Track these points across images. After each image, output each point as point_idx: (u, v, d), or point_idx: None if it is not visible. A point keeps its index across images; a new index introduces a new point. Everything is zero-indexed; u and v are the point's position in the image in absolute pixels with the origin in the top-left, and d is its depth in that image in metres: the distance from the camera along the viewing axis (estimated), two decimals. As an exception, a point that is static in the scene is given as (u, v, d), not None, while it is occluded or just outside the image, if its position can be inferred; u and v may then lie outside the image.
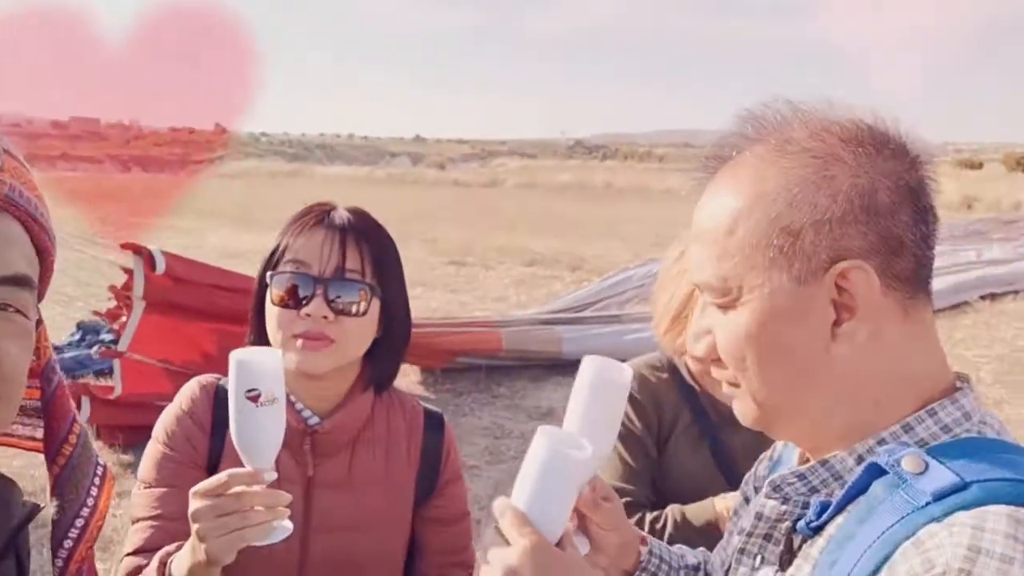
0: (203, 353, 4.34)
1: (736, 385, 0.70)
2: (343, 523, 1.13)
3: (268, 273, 1.11)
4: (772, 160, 0.66)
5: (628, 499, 1.45)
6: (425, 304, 8.51)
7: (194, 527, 0.91)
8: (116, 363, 4.15)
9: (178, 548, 0.98)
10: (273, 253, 1.12)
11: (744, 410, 0.72)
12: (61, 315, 6.99)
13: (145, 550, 1.05)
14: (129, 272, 4.21)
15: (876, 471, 0.62)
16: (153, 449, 1.13)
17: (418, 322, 5.79)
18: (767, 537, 0.73)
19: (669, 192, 26.87)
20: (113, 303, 4.66)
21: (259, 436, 0.92)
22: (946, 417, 0.65)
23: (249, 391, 0.90)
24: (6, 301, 0.61)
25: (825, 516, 0.65)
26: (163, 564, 0.99)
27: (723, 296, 0.68)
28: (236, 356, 0.92)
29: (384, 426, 1.19)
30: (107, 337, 5.41)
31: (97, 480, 0.77)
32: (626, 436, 1.48)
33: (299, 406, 1.14)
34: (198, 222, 14.59)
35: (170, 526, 1.06)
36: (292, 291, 1.08)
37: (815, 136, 0.65)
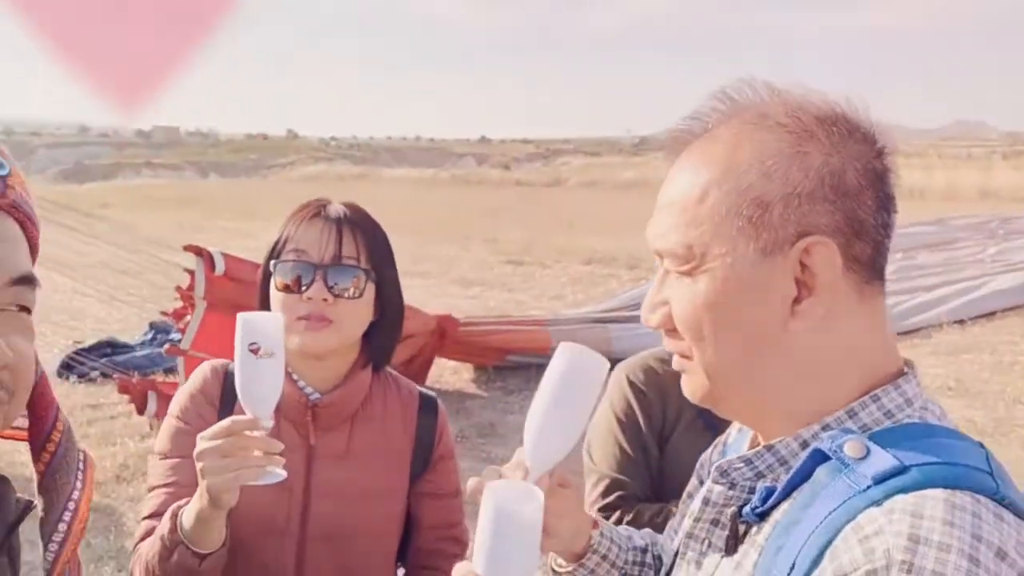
0: None
1: (688, 358, 0.70)
2: (341, 492, 1.21)
3: (272, 262, 1.20)
4: (747, 133, 0.66)
5: (622, 492, 1.47)
6: (482, 303, 8.61)
7: (199, 466, 1.01)
8: (180, 360, 4.35)
9: (187, 503, 1.08)
10: (276, 244, 1.22)
11: (694, 385, 0.71)
12: (135, 315, 7.37)
13: (159, 514, 1.14)
14: (192, 273, 4.42)
15: (820, 456, 0.63)
16: (168, 424, 1.24)
17: (470, 320, 5.94)
18: (714, 522, 0.72)
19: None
20: (179, 303, 4.90)
21: (258, 385, 1.02)
22: (889, 403, 0.65)
23: (251, 344, 1.01)
24: (19, 301, 0.64)
25: (770, 502, 0.65)
26: (174, 515, 1.09)
27: (685, 263, 0.67)
28: (242, 316, 1.04)
29: (381, 404, 1.28)
30: (175, 336, 5.69)
31: (81, 473, 0.77)
32: (627, 426, 1.49)
33: (301, 383, 1.22)
34: (265, 223, 15.06)
35: (183, 492, 1.15)
36: (294, 277, 1.17)
37: (791, 113, 0.66)
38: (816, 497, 0.61)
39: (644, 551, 0.96)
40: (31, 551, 0.77)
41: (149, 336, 6.37)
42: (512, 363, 6.00)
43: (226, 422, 1.02)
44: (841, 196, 0.63)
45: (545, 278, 10.14)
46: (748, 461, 0.69)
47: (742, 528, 0.69)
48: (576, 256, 11.66)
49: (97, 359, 5.77)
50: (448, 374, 5.98)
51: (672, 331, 0.70)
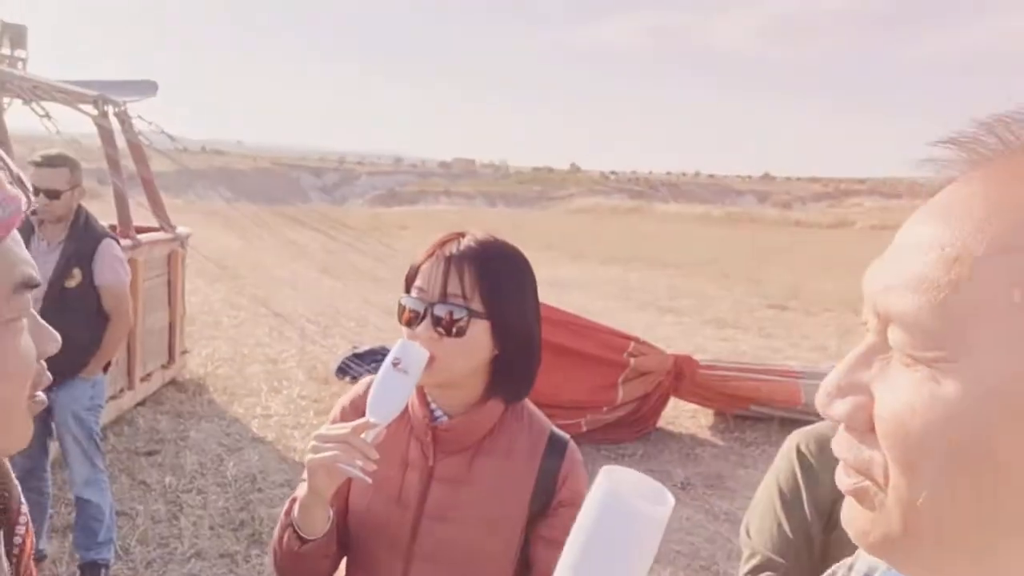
0: None
1: (874, 481, 0.45)
2: (453, 517, 1.23)
3: (400, 298, 1.26)
4: None
5: (772, 573, 1.32)
6: (734, 347, 8.23)
7: (307, 458, 1.13)
8: None
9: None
10: (408, 278, 1.27)
11: (871, 525, 0.46)
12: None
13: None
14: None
15: None
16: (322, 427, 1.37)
17: (711, 364, 5.70)
18: None
19: (1064, 241, 22.31)
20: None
21: (385, 392, 1.13)
22: None
23: (395, 359, 1.14)
24: (24, 307, 0.65)
25: None
26: (292, 501, 1.22)
27: (926, 347, 0.42)
28: (401, 340, 1.17)
29: (508, 438, 1.27)
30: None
31: (23, 509, 0.77)
32: (789, 502, 1.35)
33: (433, 406, 1.28)
34: (536, 253, 15.79)
35: None
36: (411, 314, 1.22)
37: None
38: None
39: None
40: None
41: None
42: (755, 413, 5.66)
43: (343, 425, 1.13)
44: None
45: (808, 326, 9.42)
46: None
47: None
48: (848, 305, 10.67)
49: (368, 364, 6.49)
50: (685, 417, 5.80)
51: (861, 432, 0.46)
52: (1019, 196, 0.42)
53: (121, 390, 5.03)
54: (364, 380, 1.38)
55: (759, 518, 1.40)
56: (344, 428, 1.12)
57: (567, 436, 1.32)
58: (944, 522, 0.42)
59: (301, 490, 1.18)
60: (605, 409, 5.22)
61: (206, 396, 5.72)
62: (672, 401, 6.11)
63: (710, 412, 5.85)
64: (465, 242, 1.24)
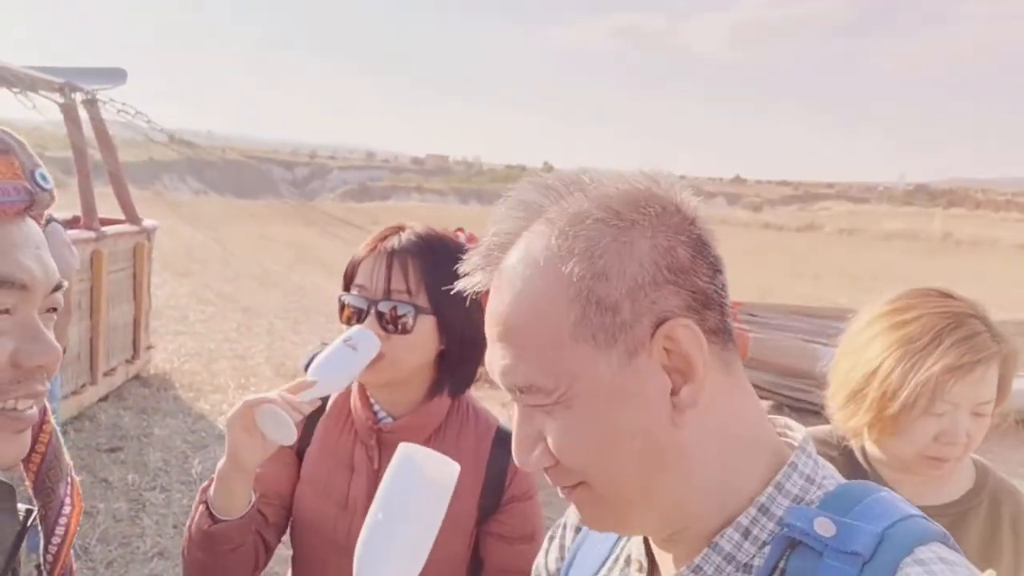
0: None
1: (579, 489, 0.64)
2: None
3: (340, 296, 1.23)
4: (565, 238, 0.61)
5: None
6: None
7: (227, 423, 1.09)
8: None
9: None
10: (346, 275, 1.24)
11: (599, 516, 0.65)
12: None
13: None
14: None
15: (784, 543, 0.59)
16: None
17: None
18: None
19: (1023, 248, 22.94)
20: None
21: (329, 360, 1.12)
22: (793, 488, 0.62)
23: (348, 338, 1.14)
24: (53, 305, 0.66)
25: None
26: (203, 491, 1.14)
27: (549, 396, 0.61)
28: (358, 326, 1.17)
29: (455, 435, 1.24)
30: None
31: (69, 478, 0.77)
32: None
33: (376, 407, 1.24)
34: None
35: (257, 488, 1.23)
36: (353, 313, 1.19)
37: (602, 205, 0.61)
38: None
39: None
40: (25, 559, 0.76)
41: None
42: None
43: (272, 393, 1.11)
44: (679, 274, 0.60)
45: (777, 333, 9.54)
46: (697, 569, 0.63)
47: None
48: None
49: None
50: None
51: (555, 467, 0.64)
52: (555, 261, 0.61)
53: (83, 385, 4.93)
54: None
55: None
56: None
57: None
58: (625, 486, 0.62)
59: (220, 464, 1.11)
60: None
61: (171, 392, 5.63)
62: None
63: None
64: (406, 236, 1.20)
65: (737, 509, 0.62)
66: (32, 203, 0.63)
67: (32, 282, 0.62)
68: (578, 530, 0.82)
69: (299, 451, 1.28)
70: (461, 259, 1.20)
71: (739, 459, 0.63)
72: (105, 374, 5.21)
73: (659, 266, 0.60)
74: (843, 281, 13.80)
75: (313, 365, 1.12)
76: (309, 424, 1.27)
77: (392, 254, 1.18)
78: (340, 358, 1.12)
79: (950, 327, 1.16)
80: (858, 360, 1.22)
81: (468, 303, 1.21)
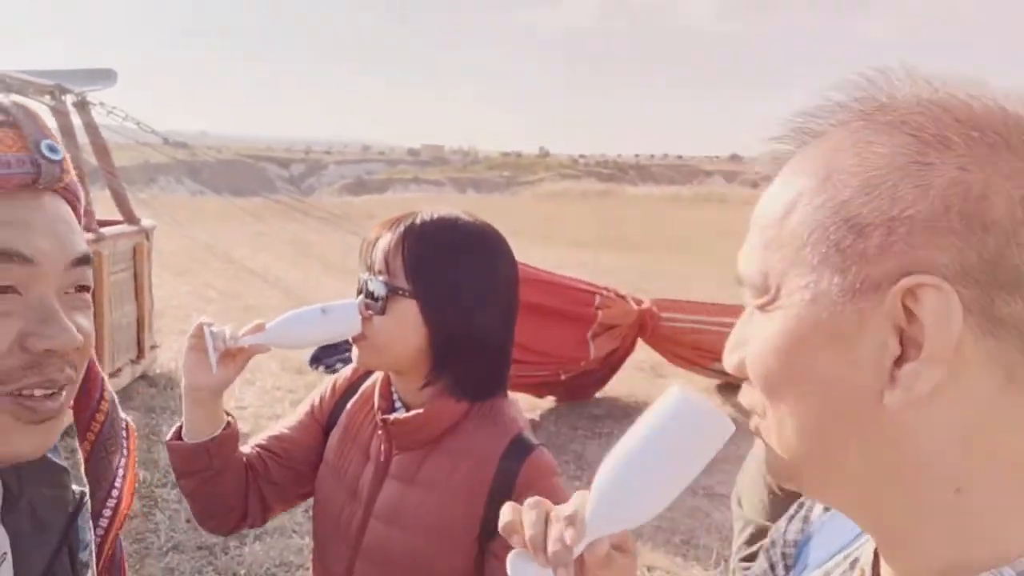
0: None
1: (762, 417, 0.54)
2: (398, 518, 1.15)
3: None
4: (856, 132, 0.50)
5: (766, 540, 1.32)
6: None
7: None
8: None
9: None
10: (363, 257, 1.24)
11: (769, 455, 0.55)
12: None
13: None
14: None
15: None
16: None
17: (673, 318, 5.71)
18: None
19: None
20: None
21: (293, 316, 1.15)
22: None
23: (326, 306, 1.15)
24: (79, 282, 0.63)
25: None
26: (179, 428, 1.21)
27: (760, 295, 0.52)
28: (346, 300, 1.18)
29: (467, 438, 1.16)
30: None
31: (124, 442, 0.75)
32: None
33: (396, 396, 1.22)
34: (507, 236, 15.81)
35: (271, 441, 1.30)
36: (357, 287, 1.18)
37: (922, 109, 0.49)
38: None
39: None
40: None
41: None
42: (724, 380, 5.75)
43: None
44: (977, 228, 0.45)
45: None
46: None
47: None
48: (819, 281, 10.84)
49: (342, 352, 6.44)
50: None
51: (746, 383, 0.55)
52: (831, 154, 0.51)
53: (90, 387, 4.94)
54: (339, 373, 1.35)
55: (749, 489, 1.40)
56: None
57: (536, 442, 1.17)
58: (797, 436, 0.51)
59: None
60: (582, 364, 5.29)
61: (177, 391, 5.57)
62: (649, 381, 6.17)
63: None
64: (411, 219, 1.17)
65: (981, 558, 0.48)
66: (39, 175, 0.59)
67: (38, 257, 0.58)
68: (826, 508, 0.72)
69: (326, 428, 1.28)
70: (466, 244, 1.15)
71: (987, 495, 0.48)
72: (111, 375, 5.22)
73: (950, 206, 0.46)
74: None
75: (280, 317, 1.13)
76: (340, 405, 1.28)
77: (392, 234, 1.16)
78: (305, 319, 1.13)
79: None
80: None
81: (463, 295, 1.13)
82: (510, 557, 0.66)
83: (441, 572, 1.13)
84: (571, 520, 0.63)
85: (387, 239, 1.16)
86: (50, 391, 0.59)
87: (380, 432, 1.20)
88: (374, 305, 1.14)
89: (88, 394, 0.73)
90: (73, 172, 0.64)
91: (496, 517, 1.11)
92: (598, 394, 5.74)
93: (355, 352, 1.17)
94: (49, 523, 0.67)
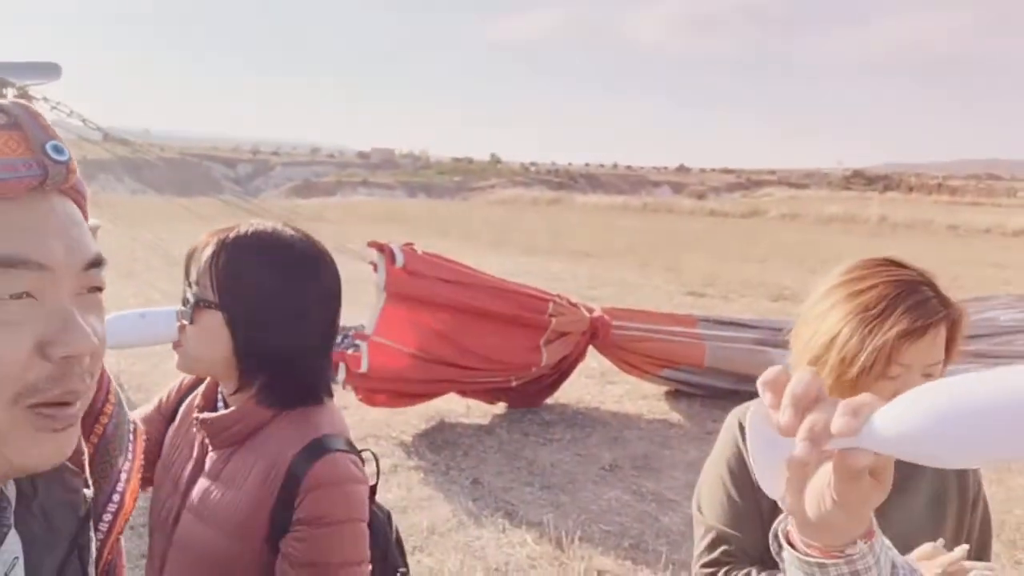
0: (435, 337, 4.87)
1: None
2: (203, 514, 1.17)
3: None
4: None
5: (729, 547, 1.35)
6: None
7: None
8: (364, 344, 4.70)
9: None
10: None
11: None
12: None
13: None
14: (375, 266, 4.78)
15: None
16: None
17: (622, 326, 5.80)
18: None
19: (954, 229, 23.86)
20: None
21: (115, 320, 1.18)
22: None
23: (144, 312, 1.21)
24: (93, 284, 0.62)
25: None
26: None
27: None
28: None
29: (268, 441, 1.17)
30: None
31: (131, 444, 0.74)
32: (738, 475, 1.37)
33: (220, 397, 1.25)
34: (458, 242, 15.87)
35: None
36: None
37: None
38: None
39: None
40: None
41: (339, 339, 6.88)
42: (670, 384, 5.86)
43: None
44: None
45: (725, 311, 9.74)
46: None
47: None
48: (763, 291, 11.11)
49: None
50: (611, 402, 5.93)
51: None
52: None
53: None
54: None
55: (709, 494, 1.41)
56: None
57: (335, 447, 1.16)
58: None
59: None
60: (534, 370, 5.33)
61: (123, 394, 5.48)
62: (599, 387, 6.24)
63: (636, 397, 6.00)
64: (231, 231, 1.19)
65: None
66: (46, 177, 0.58)
67: (52, 262, 0.57)
68: None
69: (169, 422, 1.33)
70: (277, 258, 1.15)
71: None
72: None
73: None
74: (788, 264, 14.16)
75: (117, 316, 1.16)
76: (182, 401, 1.33)
77: (212, 245, 1.18)
78: (126, 322, 1.18)
79: (902, 295, 1.22)
80: (818, 328, 1.28)
81: (269, 310, 1.13)
82: (753, 408, 0.63)
83: (236, 568, 1.15)
84: (856, 411, 0.56)
85: (207, 251, 1.18)
86: (69, 401, 0.58)
87: (195, 428, 1.24)
88: (186, 314, 1.17)
89: (93, 394, 0.72)
90: (76, 171, 0.63)
91: (280, 513, 1.12)
92: (549, 400, 5.79)
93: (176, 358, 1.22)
94: (60, 528, 0.66)
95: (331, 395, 1.26)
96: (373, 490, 1.24)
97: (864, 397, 0.57)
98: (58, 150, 0.59)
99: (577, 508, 4.06)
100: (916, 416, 0.54)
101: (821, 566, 0.67)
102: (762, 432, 0.62)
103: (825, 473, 0.61)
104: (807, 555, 0.68)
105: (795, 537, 0.70)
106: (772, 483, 0.64)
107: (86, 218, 0.65)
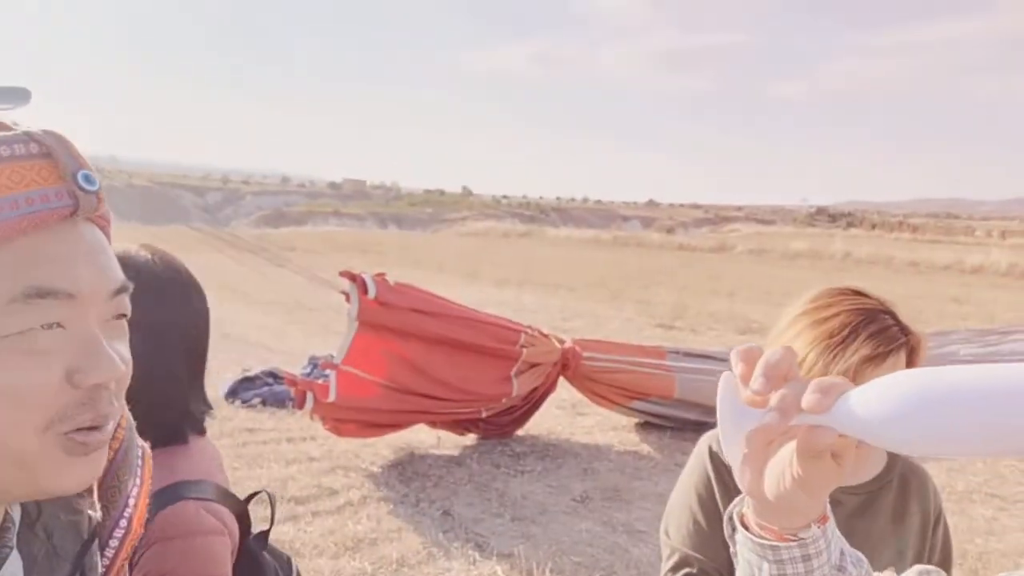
0: (406, 367, 4.84)
1: None
2: None
3: None
4: None
5: (691, 569, 1.36)
6: (626, 365, 8.49)
7: None
8: (332, 373, 4.67)
9: None
10: None
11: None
12: (300, 348, 7.94)
13: None
14: (347, 296, 4.76)
15: None
16: None
17: (593, 357, 5.82)
18: None
19: (915, 265, 24.45)
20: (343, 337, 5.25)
21: None
22: None
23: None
24: (119, 311, 0.62)
25: None
26: None
27: None
28: None
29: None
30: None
31: (139, 470, 0.73)
32: (705, 501, 1.39)
33: None
34: (430, 273, 15.86)
35: None
36: None
37: None
38: None
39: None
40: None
41: (308, 370, 6.82)
42: (640, 416, 5.89)
43: None
44: None
45: (694, 343, 9.85)
46: None
47: None
48: (731, 324, 11.25)
49: (259, 387, 6.27)
50: (582, 433, 5.94)
51: None
52: None
53: None
54: None
55: (676, 518, 1.43)
56: None
57: (186, 495, 1.03)
58: None
59: None
60: (504, 400, 5.31)
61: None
62: (569, 418, 6.25)
63: (607, 428, 6.01)
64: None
65: None
66: (77, 207, 0.58)
67: (81, 291, 0.57)
68: None
69: None
70: (143, 286, 0.89)
71: None
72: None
73: None
74: (755, 297, 14.37)
75: None
76: None
77: None
78: None
79: (864, 322, 1.27)
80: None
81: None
82: (724, 376, 0.63)
83: None
84: (828, 390, 0.56)
85: None
86: (99, 424, 0.59)
87: None
88: None
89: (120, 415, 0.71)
90: (104, 199, 0.63)
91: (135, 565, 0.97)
92: (519, 432, 5.78)
93: None
94: (63, 550, 0.66)
95: (202, 432, 1.14)
96: (265, 536, 1.13)
97: (836, 378, 0.57)
98: (88, 179, 0.59)
99: (548, 539, 4.04)
100: (887, 401, 0.54)
101: (774, 548, 0.68)
102: (731, 403, 0.63)
103: (787, 453, 0.62)
104: (761, 537, 0.69)
105: (750, 519, 0.71)
106: (739, 454, 0.64)
107: (110, 243, 0.66)
